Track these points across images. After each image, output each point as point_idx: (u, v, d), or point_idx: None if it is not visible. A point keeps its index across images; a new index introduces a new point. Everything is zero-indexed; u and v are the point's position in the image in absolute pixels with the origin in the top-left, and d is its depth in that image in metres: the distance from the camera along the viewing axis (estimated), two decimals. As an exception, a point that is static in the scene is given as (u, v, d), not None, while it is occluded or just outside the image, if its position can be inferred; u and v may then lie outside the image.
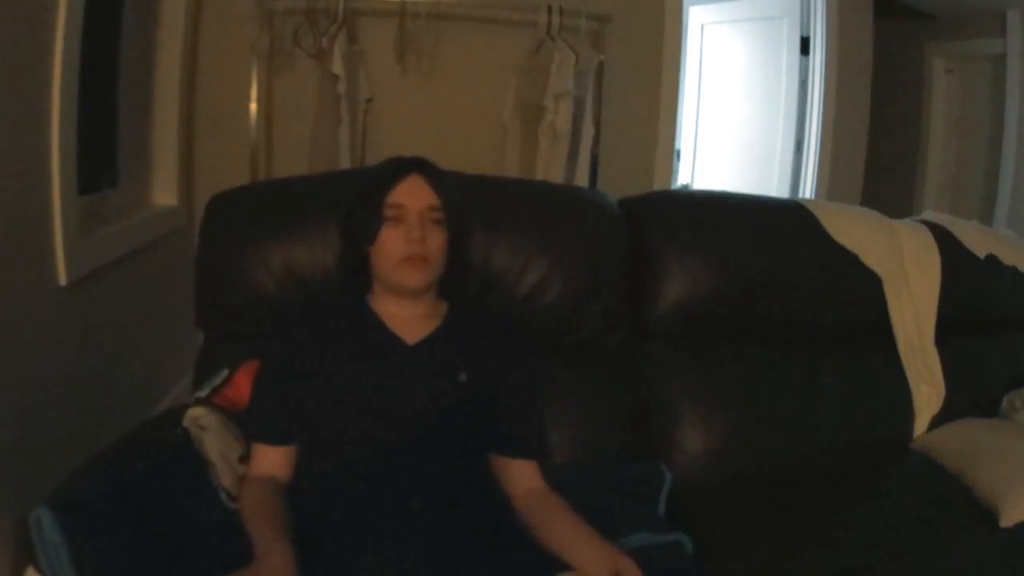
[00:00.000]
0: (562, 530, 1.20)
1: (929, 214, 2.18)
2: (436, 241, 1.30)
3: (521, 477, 1.30)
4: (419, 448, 1.22)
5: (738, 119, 4.34)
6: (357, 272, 1.37)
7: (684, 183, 4.62)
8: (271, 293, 1.51)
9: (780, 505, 1.53)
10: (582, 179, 3.04)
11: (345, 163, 2.85)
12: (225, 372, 1.41)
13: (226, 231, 1.56)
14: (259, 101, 2.90)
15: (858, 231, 1.87)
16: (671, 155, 3.57)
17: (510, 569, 1.14)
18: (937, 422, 1.86)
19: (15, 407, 1.58)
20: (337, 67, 2.79)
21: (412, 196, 1.29)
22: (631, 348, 1.72)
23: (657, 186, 3.36)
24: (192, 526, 1.15)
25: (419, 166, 1.33)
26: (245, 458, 1.28)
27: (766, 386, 1.75)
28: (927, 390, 1.87)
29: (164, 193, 2.75)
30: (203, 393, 1.36)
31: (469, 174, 1.65)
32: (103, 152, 2.31)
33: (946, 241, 1.99)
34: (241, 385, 1.37)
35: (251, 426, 1.29)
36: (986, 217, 3.96)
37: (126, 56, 2.40)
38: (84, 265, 1.90)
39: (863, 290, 1.87)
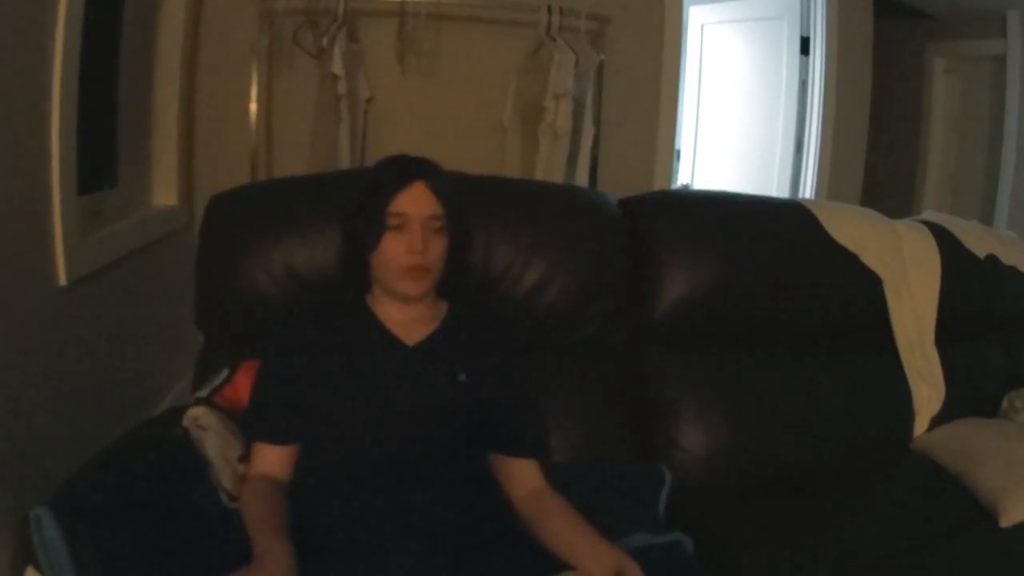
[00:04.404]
0: (563, 529, 1.20)
1: (929, 214, 2.18)
2: (438, 250, 1.30)
3: (522, 476, 1.30)
4: (419, 448, 1.23)
5: (738, 119, 4.33)
6: (357, 273, 1.37)
7: (684, 183, 4.62)
8: (271, 293, 1.51)
9: (780, 505, 1.53)
10: (582, 179, 3.04)
11: (345, 163, 2.85)
12: (225, 372, 1.41)
13: (226, 231, 1.56)
14: (259, 101, 2.90)
15: (858, 231, 1.87)
16: (671, 155, 3.57)
17: (510, 569, 1.14)
18: (937, 422, 1.86)
19: (15, 407, 1.58)
20: (337, 67, 2.79)
21: (415, 205, 1.28)
22: (631, 348, 1.73)
23: (657, 186, 3.36)
24: (192, 526, 1.15)
25: (422, 172, 1.31)
26: (245, 458, 1.28)
27: (766, 386, 1.75)
28: (927, 390, 1.87)
29: (164, 193, 2.75)
30: (203, 393, 1.36)
31: (469, 174, 1.65)
32: (103, 152, 2.31)
33: (946, 241, 1.99)
34: (241, 385, 1.37)
35: (251, 426, 1.29)
36: (986, 217, 3.96)
37: (126, 56, 2.40)
38: (84, 265, 1.90)
39: (863, 290, 1.87)
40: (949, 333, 1.94)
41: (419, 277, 1.28)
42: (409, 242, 1.26)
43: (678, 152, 4.25)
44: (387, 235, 1.27)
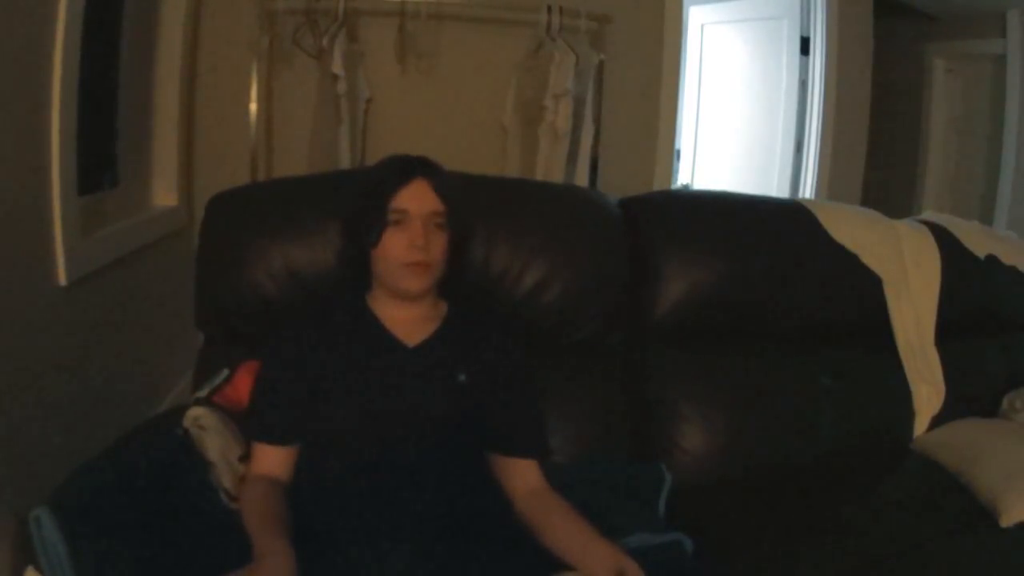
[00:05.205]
0: (563, 529, 1.20)
1: (929, 214, 2.18)
2: (438, 246, 1.30)
3: (522, 476, 1.30)
4: (419, 449, 1.23)
5: (738, 119, 4.34)
6: (358, 272, 1.37)
7: (684, 183, 4.62)
8: (271, 293, 1.51)
9: (780, 505, 1.53)
10: (582, 179, 3.04)
11: (345, 163, 2.85)
12: (225, 372, 1.41)
13: (226, 231, 1.56)
14: (259, 101, 2.90)
15: (858, 231, 1.87)
16: (671, 155, 3.57)
17: (510, 569, 1.14)
18: (937, 422, 1.86)
19: (15, 407, 1.58)
20: (337, 67, 2.79)
21: (416, 201, 1.28)
22: (631, 348, 1.73)
23: (657, 186, 3.36)
24: (192, 526, 1.15)
25: (423, 169, 1.32)
26: (245, 458, 1.28)
27: (766, 386, 1.75)
28: (927, 390, 1.87)
29: (164, 193, 2.75)
30: (203, 393, 1.36)
31: (469, 174, 1.65)
32: (103, 152, 2.31)
33: (946, 241, 1.99)
34: (241, 385, 1.37)
35: (252, 426, 1.30)
36: (986, 217, 3.96)
37: (126, 56, 2.40)
38: (84, 265, 1.90)
39: (863, 290, 1.87)
40: (949, 333, 1.94)
41: (420, 273, 1.28)
42: (410, 237, 1.27)
43: (678, 152, 4.25)
44: (388, 231, 1.28)
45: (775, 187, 3.96)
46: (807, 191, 3.84)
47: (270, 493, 1.21)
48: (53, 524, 0.98)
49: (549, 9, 2.94)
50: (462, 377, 1.29)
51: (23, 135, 1.64)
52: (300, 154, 2.94)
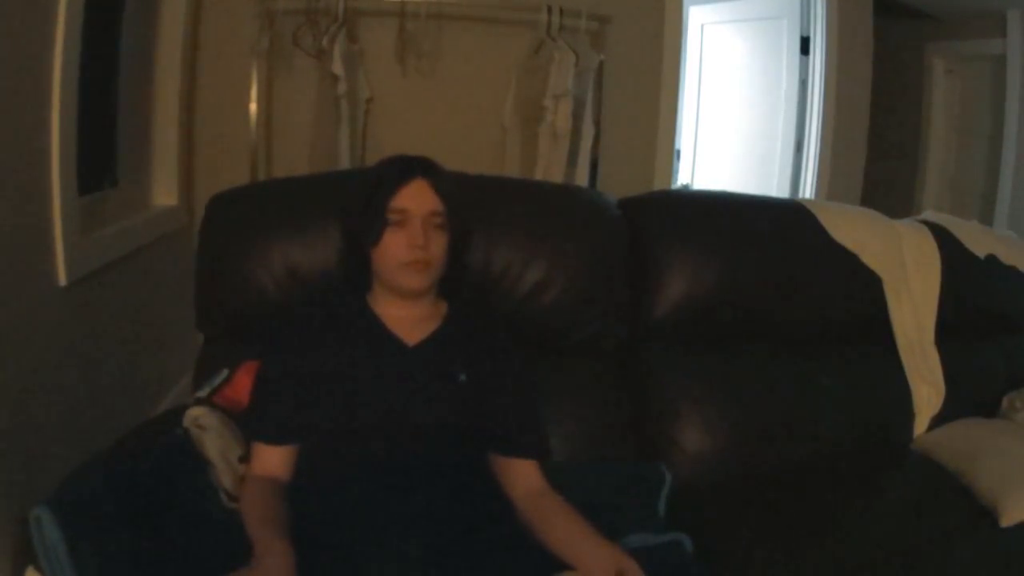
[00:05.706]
0: (564, 530, 1.20)
1: (929, 214, 2.18)
2: (438, 245, 1.30)
3: (522, 477, 1.30)
4: (420, 449, 1.23)
5: (738, 119, 4.34)
6: (358, 271, 1.37)
7: (684, 183, 4.62)
8: (271, 293, 1.51)
9: (780, 505, 1.53)
10: (582, 179, 3.04)
11: (345, 163, 2.86)
12: (225, 372, 1.41)
13: (226, 231, 1.56)
14: (259, 101, 2.90)
15: (858, 231, 1.87)
16: (671, 155, 3.57)
17: (511, 569, 1.14)
18: (937, 422, 1.85)
19: (15, 407, 1.58)
20: (337, 67, 2.79)
21: (416, 201, 1.29)
22: (631, 348, 1.73)
23: (657, 186, 3.36)
24: (192, 526, 1.15)
25: (423, 169, 1.32)
26: (245, 458, 1.28)
27: (766, 386, 1.75)
28: (927, 390, 1.87)
29: (164, 193, 2.75)
30: (203, 393, 1.36)
31: (469, 174, 1.65)
32: (103, 152, 2.31)
33: (946, 241, 1.99)
34: (241, 385, 1.37)
35: (251, 426, 1.30)
36: (986, 217, 3.96)
37: (126, 56, 2.40)
38: (84, 265, 1.90)
39: (863, 290, 1.87)
40: (949, 333, 1.94)
41: (420, 270, 1.28)
42: (410, 237, 1.27)
43: (678, 152, 4.25)
44: (388, 231, 1.28)
45: (775, 187, 3.96)
46: (807, 191, 3.84)
47: (270, 493, 1.21)
48: (53, 524, 0.98)
49: (549, 9, 2.94)
50: (462, 377, 1.29)
51: (23, 135, 1.64)
52: (300, 154, 2.94)
